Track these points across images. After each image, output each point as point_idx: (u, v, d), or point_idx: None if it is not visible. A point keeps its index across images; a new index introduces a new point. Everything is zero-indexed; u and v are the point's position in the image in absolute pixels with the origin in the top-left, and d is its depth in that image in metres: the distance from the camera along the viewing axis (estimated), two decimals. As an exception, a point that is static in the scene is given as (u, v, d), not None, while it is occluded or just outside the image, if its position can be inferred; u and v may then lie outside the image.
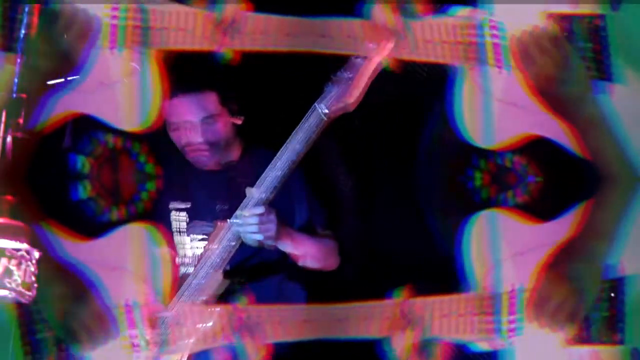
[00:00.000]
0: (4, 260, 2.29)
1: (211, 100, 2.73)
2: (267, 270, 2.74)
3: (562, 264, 2.75)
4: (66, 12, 2.57)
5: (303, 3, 2.70)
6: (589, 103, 2.75)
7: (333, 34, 2.68)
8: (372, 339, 2.68)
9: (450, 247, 2.80)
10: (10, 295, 2.29)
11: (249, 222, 2.46)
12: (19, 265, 2.31)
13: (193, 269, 2.66)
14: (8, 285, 2.29)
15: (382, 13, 2.62)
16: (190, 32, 2.63)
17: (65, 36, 2.55)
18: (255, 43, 2.67)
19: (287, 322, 2.65)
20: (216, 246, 2.57)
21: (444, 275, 2.79)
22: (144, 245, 2.74)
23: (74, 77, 2.63)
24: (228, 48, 2.65)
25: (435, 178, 2.98)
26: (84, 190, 2.79)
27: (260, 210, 2.45)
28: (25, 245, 2.33)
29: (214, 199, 2.76)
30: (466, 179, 2.93)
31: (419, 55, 2.68)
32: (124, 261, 2.69)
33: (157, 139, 2.80)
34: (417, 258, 3.05)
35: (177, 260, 2.81)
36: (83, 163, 2.79)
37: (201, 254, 2.65)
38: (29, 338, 2.54)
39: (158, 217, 2.83)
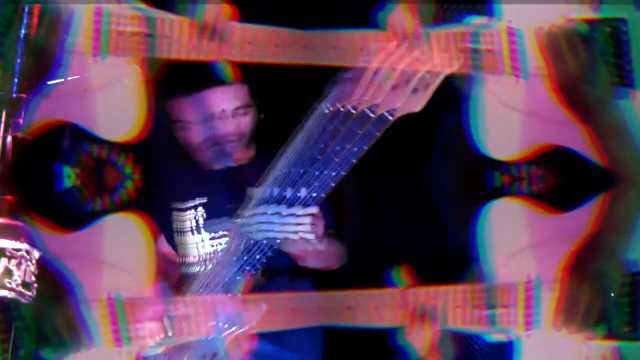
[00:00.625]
0: (4, 260, 2.28)
1: (243, 92, 2.73)
2: (278, 268, 2.71)
3: (585, 264, 2.70)
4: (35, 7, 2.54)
5: (306, 14, 2.69)
6: (611, 108, 2.71)
7: (343, 45, 2.66)
8: (384, 329, 2.64)
9: (464, 238, 2.75)
10: (10, 295, 2.28)
11: (301, 222, 2.38)
12: (19, 265, 2.29)
13: (210, 266, 2.62)
14: (8, 285, 2.27)
15: (400, 19, 2.59)
16: (176, 40, 2.61)
17: (37, 31, 2.52)
18: (243, 53, 2.65)
19: (298, 309, 2.62)
20: (243, 245, 2.51)
21: (450, 272, 2.73)
22: (129, 236, 2.71)
23: (74, 77, 2.61)
24: (218, 58, 2.63)
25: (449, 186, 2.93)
26: (68, 181, 2.76)
27: (315, 210, 2.39)
28: (25, 245, 2.32)
29: (228, 197, 2.71)
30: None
31: (434, 66, 2.64)
32: (107, 253, 2.66)
33: (148, 145, 2.77)
34: (419, 258, 3.00)
35: (189, 258, 2.78)
36: (69, 174, 2.77)
37: (223, 251, 2.60)
38: (7, 335, 2.52)
39: (160, 214, 2.80)
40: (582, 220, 2.75)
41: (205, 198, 2.81)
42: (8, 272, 2.28)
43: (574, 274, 2.71)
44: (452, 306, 2.67)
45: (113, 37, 2.58)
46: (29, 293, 2.30)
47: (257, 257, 2.48)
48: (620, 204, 2.73)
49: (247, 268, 2.50)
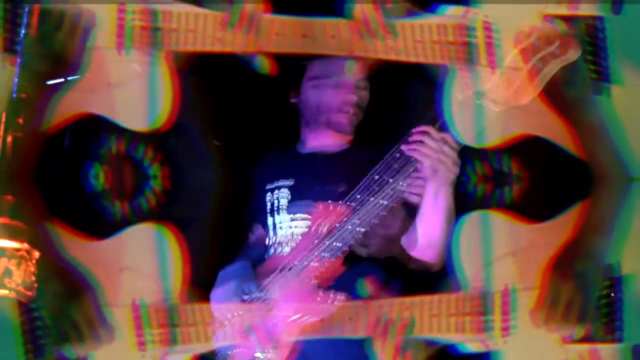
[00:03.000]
0: (4, 260, 2.32)
1: (367, 65, 2.72)
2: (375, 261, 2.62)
3: (566, 264, 2.77)
4: (55, 10, 2.58)
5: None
6: (589, 105, 2.77)
7: (317, 34, 2.70)
8: (359, 339, 2.68)
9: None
10: (10, 296, 2.32)
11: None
12: (18, 265, 2.33)
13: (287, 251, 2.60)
14: (8, 285, 2.32)
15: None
16: (200, 32, 2.64)
17: (57, 35, 2.56)
18: (270, 44, 2.68)
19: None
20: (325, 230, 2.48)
21: (426, 281, 2.79)
22: (157, 245, 2.74)
23: (74, 77, 2.63)
24: (249, 49, 2.66)
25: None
26: (97, 184, 2.79)
27: (448, 136, 2.35)
28: (25, 245, 2.36)
29: (322, 180, 2.66)
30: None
31: (408, 56, 2.69)
32: (135, 261, 2.69)
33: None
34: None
35: (271, 240, 2.72)
36: (97, 171, 2.80)
37: (303, 235, 2.56)
38: (29, 336, 2.56)
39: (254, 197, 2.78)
40: (559, 229, 2.82)
41: (293, 180, 2.72)
42: (8, 272, 2.32)
43: (554, 274, 2.77)
44: (428, 315, 2.72)
45: (137, 32, 2.62)
46: (29, 293, 2.36)
47: (338, 244, 2.46)
48: (597, 211, 2.80)
49: (325, 255, 2.47)
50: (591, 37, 2.78)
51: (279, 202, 2.71)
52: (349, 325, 2.63)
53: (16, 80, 2.51)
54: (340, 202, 2.50)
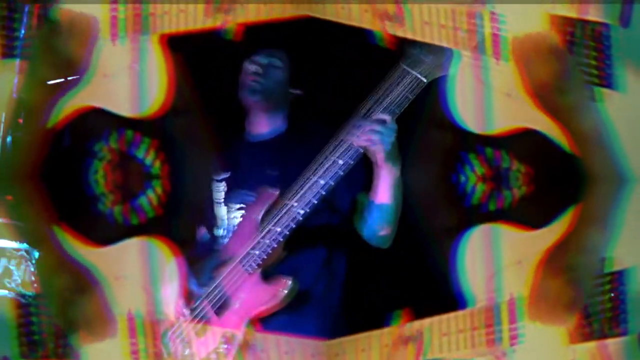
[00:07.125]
0: (4, 260, 2.30)
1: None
2: (314, 238, 2.58)
3: (558, 258, 2.76)
4: (65, 18, 2.57)
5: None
6: (586, 112, 2.77)
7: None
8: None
9: (444, 265, 2.78)
10: (10, 295, 2.30)
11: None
12: (19, 265, 2.31)
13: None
14: (8, 285, 2.29)
15: None
16: (191, 13, 2.64)
17: (66, 43, 2.55)
18: (259, 13, 2.67)
19: (293, 353, 2.62)
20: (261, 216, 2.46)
21: (438, 293, 2.76)
22: (152, 257, 2.71)
23: (74, 77, 2.62)
24: (231, 23, 2.65)
25: (425, 177, 2.96)
26: (97, 187, 2.76)
27: (386, 117, 2.33)
28: (25, 245, 2.33)
29: (259, 167, 2.64)
30: (458, 180, 2.93)
31: (415, 36, 2.68)
32: (130, 270, 2.66)
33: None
34: (408, 277, 3.06)
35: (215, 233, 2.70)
36: (97, 168, 2.78)
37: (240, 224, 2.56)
38: (24, 330, 2.52)
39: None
40: (556, 233, 2.80)
41: (230, 171, 2.70)
42: (8, 272, 2.30)
43: (545, 266, 2.75)
44: (437, 335, 2.68)
45: (130, 20, 2.62)
46: (29, 293, 2.33)
47: (278, 229, 2.41)
48: (591, 210, 2.79)
49: (267, 241, 2.43)
50: (596, 43, 2.79)
51: (217, 196, 2.68)
52: (362, 356, 2.61)
53: (16, 80, 2.49)
54: (275, 187, 2.48)
